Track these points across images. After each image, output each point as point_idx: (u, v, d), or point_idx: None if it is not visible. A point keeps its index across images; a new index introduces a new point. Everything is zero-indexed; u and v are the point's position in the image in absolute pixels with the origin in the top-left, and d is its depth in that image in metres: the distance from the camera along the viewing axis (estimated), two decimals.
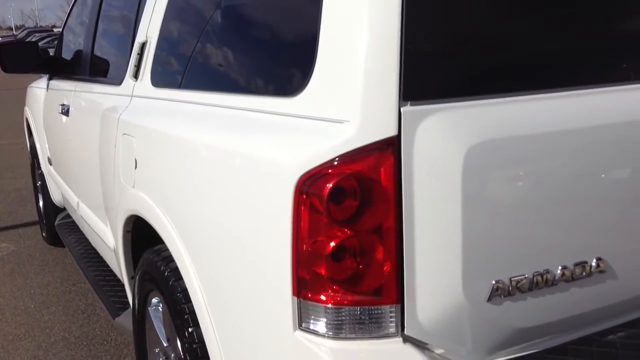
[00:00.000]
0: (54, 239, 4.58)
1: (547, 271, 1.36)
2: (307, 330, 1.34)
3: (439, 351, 1.34)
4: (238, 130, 1.56)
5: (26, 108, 4.92)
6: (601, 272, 1.43)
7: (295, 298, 1.34)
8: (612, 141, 1.43)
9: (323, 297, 1.31)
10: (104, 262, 3.22)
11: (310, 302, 1.32)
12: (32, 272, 4.36)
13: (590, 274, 1.42)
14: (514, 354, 1.41)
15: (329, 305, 1.31)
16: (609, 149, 1.43)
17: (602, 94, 1.45)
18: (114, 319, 2.81)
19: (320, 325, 1.32)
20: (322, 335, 1.32)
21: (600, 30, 1.47)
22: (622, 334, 1.50)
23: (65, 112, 3.31)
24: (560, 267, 1.37)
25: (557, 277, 1.37)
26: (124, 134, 2.21)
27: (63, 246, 4.26)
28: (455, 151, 1.25)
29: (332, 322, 1.31)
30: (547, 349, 1.44)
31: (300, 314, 1.34)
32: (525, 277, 1.34)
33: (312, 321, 1.33)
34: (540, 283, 1.36)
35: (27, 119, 4.87)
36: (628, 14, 1.53)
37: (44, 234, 4.90)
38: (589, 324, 1.50)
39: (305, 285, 1.32)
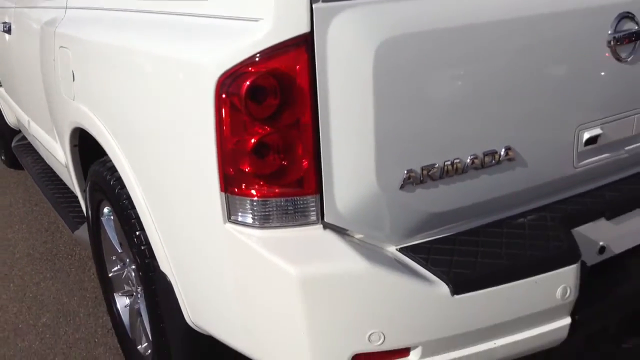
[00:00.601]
0: (13, 162, 4.58)
1: (458, 160, 1.46)
2: (236, 222, 1.43)
3: (358, 236, 1.45)
4: (158, 35, 1.59)
5: None
6: (510, 160, 1.53)
7: (223, 193, 1.42)
8: (521, 35, 1.49)
9: (248, 191, 1.39)
10: (60, 179, 3.27)
11: (237, 197, 1.41)
12: None
13: (499, 162, 1.52)
14: (430, 237, 1.53)
15: (255, 198, 1.39)
16: (517, 42, 1.49)
17: None
18: (73, 233, 2.89)
19: (248, 217, 1.41)
20: (250, 226, 1.41)
21: None
22: (532, 217, 1.63)
23: (7, 30, 3.24)
24: (470, 156, 1.47)
25: (467, 166, 1.47)
26: (61, 46, 2.20)
27: (23, 169, 4.27)
28: (367, 46, 1.30)
29: (258, 214, 1.40)
30: (461, 231, 1.56)
31: (228, 207, 1.42)
32: (436, 166, 1.43)
33: (240, 214, 1.42)
34: (451, 171, 1.45)
35: None
36: None
37: (2, 157, 4.89)
38: (502, 210, 1.62)
39: (231, 181, 1.40)
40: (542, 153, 1.60)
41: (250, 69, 1.31)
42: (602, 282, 1.67)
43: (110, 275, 2.47)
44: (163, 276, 1.79)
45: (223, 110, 1.35)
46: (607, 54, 1.62)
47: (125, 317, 2.41)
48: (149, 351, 2.21)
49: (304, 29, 1.28)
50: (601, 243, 1.70)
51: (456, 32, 1.40)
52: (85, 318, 2.84)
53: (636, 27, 1.65)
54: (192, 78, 1.42)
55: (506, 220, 1.62)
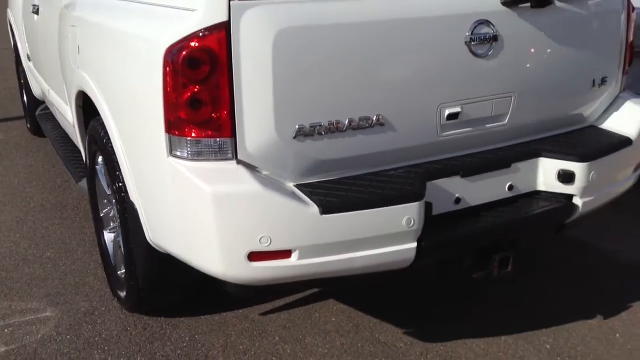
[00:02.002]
0: (37, 129, 5.23)
1: (338, 121, 2.01)
2: (176, 156, 2.00)
3: (265, 172, 2.01)
4: (130, 17, 2.23)
5: (8, 10, 5.44)
6: (381, 125, 2.08)
7: (167, 134, 1.99)
8: (394, 31, 2.04)
9: (184, 133, 1.96)
10: (72, 141, 3.88)
11: (176, 137, 1.98)
12: (17, 156, 5.05)
13: (372, 126, 2.07)
14: (321, 178, 2.08)
15: (188, 138, 1.96)
16: (391, 37, 2.04)
17: None
18: (77, 183, 3.50)
19: (184, 152, 1.98)
20: (185, 159, 1.99)
21: None
22: (401, 171, 2.17)
23: (36, 11, 3.87)
24: (347, 119, 2.02)
25: (345, 126, 2.02)
26: (72, 25, 2.82)
27: (45, 137, 4.91)
28: (267, 33, 1.88)
29: (190, 150, 1.97)
30: (344, 176, 2.11)
31: (170, 145, 2.00)
32: (321, 124, 1.99)
33: (178, 150, 1.99)
34: (333, 129, 2.01)
35: (9, 20, 5.41)
36: None
37: (28, 125, 5.56)
38: (380, 164, 2.17)
39: (172, 125, 1.97)
40: (409, 122, 2.14)
41: (186, 43, 1.88)
42: (453, 223, 2.21)
43: (101, 215, 3.07)
44: (131, 204, 2.37)
45: (168, 73, 1.92)
46: (465, 51, 2.15)
47: (110, 248, 3.00)
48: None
49: (224, 18, 1.85)
50: (457, 195, 2.24)
51: (338, 27, 1.96)
52: (82, 254, 3.44)
53: (492, 32, 2.18)
54: (149, 49, 2.01)
55: (381, 171, 2.17)
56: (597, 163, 2.38)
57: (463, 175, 2.23)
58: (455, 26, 2.13)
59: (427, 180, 2.14)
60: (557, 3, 2.32)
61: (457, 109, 2.21)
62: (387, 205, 1.98)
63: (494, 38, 2.19)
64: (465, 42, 2.15)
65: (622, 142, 2.52)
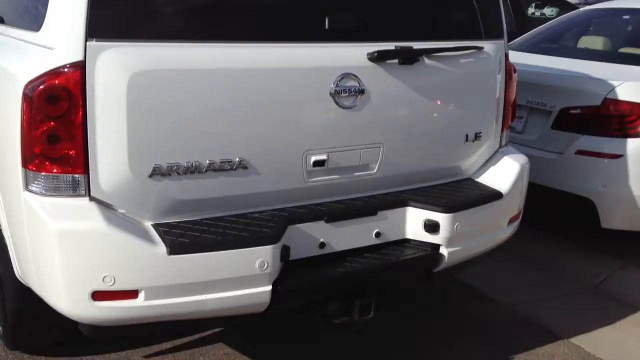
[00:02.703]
0: None
1: (198, 163, 2.04)
2: (30, 191, 1.99)
3: (121, 210, 2.01)
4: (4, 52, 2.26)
5: None
6: (244, 168, 2.12)
7: (23, 169, 1.98)
8: (258, 80, 2.10)
9: (38, 168, 1.96)
10: None
11: (31, 171, 1.97)
12: None
13: (234, 169, 2.10)
14: (183, 218, 2.09)
15: (42, 174, 1.96)
16: (256, 85, 2.10)
17: (244, 48, 2.10)
18: None
19: (37, 187, 1.98)
20: (38, 194, 1.98)
21: None
22: (266, 214, 2.21)
23: None
24: (207, 161, 2.05)
25: (205, 168, 2.05)
26: None
27: None
28: (122, 74, 1.91)
29: (43, 185, 1.97)
30: (206, 217, 2.13)
31: (26, 179, 1.99)
32: (179, 165, 2.01)
33: (33, 184, 1.98)
34: (192, 170, 2.04)
35: None
36: None
37: None
38: (246, 206, 2.20)
39: (28, 159, 1.97)
40: (274, 167, 2.19)
41: (44, 80, 1.90)
42: (316, 267, 2.24)
43: None
44: (1, 237, 2.33)
45: (25, 108, 1.93)
46: (331, 102, 2.23)
47: None
48: None
49: (79, 57, 1.88)
50: (322, 240, 2.28)
51: (197, 72, 2.01)
52: None
53: (358, 85, 2.27)
54: (10, 84, 2.02)
55: (246, 214, 2.20)
56: (462, 215, 2.46)
57: (328, 221, 2.28)
58: (321, 78, 2.21)
59: (289, 224, 2.18)
60: (427, 61, 2.43)
61: (323, 157, 2.27)
62: (239, 248, 2.00)
63: (360, 91, 2.28)
64: (331, 94, 2.22)
65: (492, 195, 2.62)
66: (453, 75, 2.53)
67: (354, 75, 2.26)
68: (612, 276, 3.96)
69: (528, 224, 4.54)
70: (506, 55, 2.77)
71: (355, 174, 2.39)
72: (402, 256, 2.41)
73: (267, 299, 2.09)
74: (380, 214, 2.40)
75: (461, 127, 2.61)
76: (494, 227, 2.68)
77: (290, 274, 2.16)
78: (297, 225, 2.21)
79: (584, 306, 3.60)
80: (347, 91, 2.25)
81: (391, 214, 2.43)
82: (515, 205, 2.75)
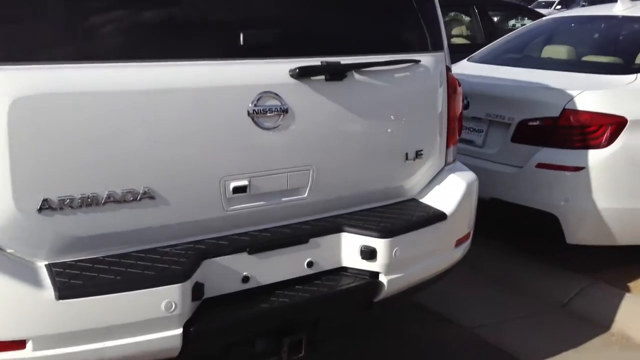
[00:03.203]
0: None
1: (95, 195, 1.84)
2: None
3: (10, 250, 1.80)
4: None
5: None
6: (151, 198, 1.92)
7: None
8: (165, 101, 1.91)
9: None
10: None
11: None
12: None
13: (139, 200, 1.90)
14: (83, 256, 1.89)
15: None
16: (162, 107, 1.91)
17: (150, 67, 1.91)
18: None
19: None
20: None
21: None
22: (180, 248, 2.01)
23: None
24: (107, 192, 1.85)
25: (104, 200, 1.85)
26: None
27: None
28: (1, 100, 1.70)
29: None
30: (112, 254, 1.93)
31: None
32: (73, 198, 1.81)
33: None
34: (89, 203, 1.83)
35: None
36: None
37: None
38: (156, 240, 2.00)
39: None
40: (187, 196, 1.99)
41: None
42: (237, 305, 2.04)
43: None
44: None
45: None
46: (249, 123, 2.04)
47: None
48: None
49: None
50: (245, 273, 2.08)
51: (91, 95, 1.81)
52: None
53: (279, 104, 2.08)
54: None
55: (157, 248, 1.99)
56: (401, 239, 2.28)
57: (251, 252, 2.08)
58: (237, 98, 2.02)
59: (204, 259, 1.98)
60: (357, 76, 2.26)
61: (243, 183, 2.08)
62: (140, 289, 1.80)
63: (283, 110, 2.09)
64: (249, 114, 2.04)
65: (435, 217, 2.44)
66: (388, 90, 2.36)
67: (274, 93, 2.08)
68: (580, 294, 3.79)
69: (491, 240, 4.44)
70: (448, 68, 2.61)
71: (283, 199, 2.20)
72: (336, 286, 2.21)
73: (178, 343, 1.88)
74: (312, 241, 2.21)
75: (399, 145, 2.44)
76: (440, 250, 2.50)
77: (207, 313, 1.96)
78: (215, 259, 2.01)
79: (551, 327, 3.42)
80: (268, 111, 2.07)
81: (324, 241, 2.24)
82: (462, 226, 2.58)
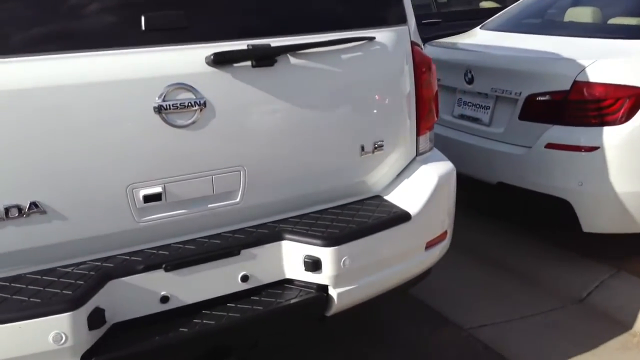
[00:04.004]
0: None
1: None
2: None
3: None
4: None
5: None
6: (42, 213, 1.68)
7: None
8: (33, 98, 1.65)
9: None
10: None
11: None
12: None
13: (26, 215, 1.67)
14: None
15: None
16: (30, 105, 1.64)
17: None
18: None
19: None
20: None
21: None
22: (83, 267, 1.77)
23: None
24: None
25: None
26: None
27: None
28: None
29: None
30: (2, 277, 1.71)
31: None
32: None
33: None
34: None
35: None
36: None
37: None
38: (56, 259, 1.76)
39: None
40: (87, 209, 1.74)
41: None
42: (152, 329, 1.79)
43: None
44: None
45: None
46: (158, 121, 1.77)
47: None
48: None
49: None
50: (163, 293, 1.83)
51: None
52: None
53: (194, 98, 1.80)
54: None
55: (58, 268, 1.76)
56: (351, 247, 1.98)
57: (169, 269, 1.82)
58: (139, 92, 1.74)
59: (109, 279, 1.74)
60: (293, 60, 1.95)
61: (156, 190, 1.82)
62: (22, 320, 1.57)
63: (200, 104, 1.81)
64: (155, 110, 1.76)
65: (397, 217, 2.12)
66: (333, 75, 2.04)
67: (187, 85, 1.79)
68: (600, 287, 3.39)
69: (499, 229, 4.06)
70: (416, 44, 2.26)
71: (211, 205, 1.93)
72: (275, 303, 1.93)
73: None
74: (246, 253, 1.93)
75: (352, 137, 2.12)
76: (404, 256, 2.18)
77: (115, 341, 1.72)
78: (125, 278, 1.77)
79: (564, 327, 3.06)
80: (180, 106, 1.79)
81: (262, 251, 1.96)
82: (434, 226, 2.25)
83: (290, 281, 2.03)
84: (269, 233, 1.99)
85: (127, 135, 1.75)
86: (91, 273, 1.73)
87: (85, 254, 1.80)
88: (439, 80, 4.27)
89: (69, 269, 1.76)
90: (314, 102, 2.01)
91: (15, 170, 1.65)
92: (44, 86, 1.65)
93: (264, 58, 1.88)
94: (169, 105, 1.77)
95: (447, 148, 4.02)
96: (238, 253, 1.92)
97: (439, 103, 4.10)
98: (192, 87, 1.80)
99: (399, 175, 2.31)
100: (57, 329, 1.59)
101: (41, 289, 1.66)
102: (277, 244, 1.98)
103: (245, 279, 1.95)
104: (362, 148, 2.14)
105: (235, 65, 1.85)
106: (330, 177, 2.12)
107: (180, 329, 1.81)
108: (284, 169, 2.01)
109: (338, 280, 1.99)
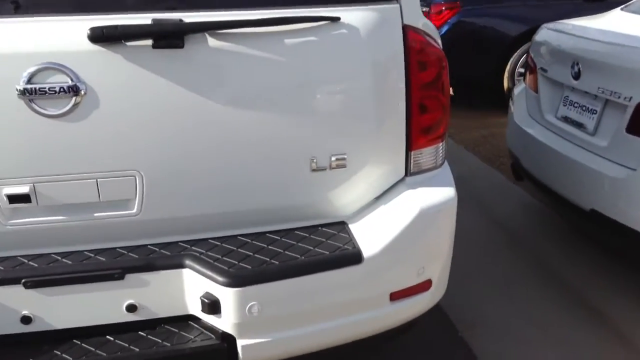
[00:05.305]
0: None
1: None
2: None
3: None
4: None
5: None
6: None
7: None
8: None
9: None
10: None
11: None
12: None
13: None
14: None
15: None
16: None
17: None
18: None
19: None
20: None
21: None
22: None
23: None
24: None
25: None
26: None
27: None
28: None
29: None
30: None
31: None
32: None
33: None
34: None
35: None
36: None
37: None
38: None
39: None
40: None
41: None
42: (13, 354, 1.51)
43: None
44: None
45: None
46: (23, 107, 1.44)
47: None
48: None
49: None
50: (25, 312, 1.54)
51: None
52: None
53: (70, 81, 1.44)
54: None
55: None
56: (262, 290, 1.52)
57: (28, 286, 1.52)
58: (1, 70, 1.43)
59: None
60: (212, 42, 1.50)
61: (23, 190, 1.51)
62: None
63: (78, 91, 1.45)
64: (19, 95, 1.43)
65: (341, 258, 1.60)
66: (272, 64, 1.54)
67: (61, 66, 1.44)
68: None
69: (593, 266, 3.21)
70: (411, 29, 1.67)
71: (99, 214, 1.58)
72: (163, 344, 1.56)
73: None
74: (132, 278, 1.56)
75: (296, 147, 1.62)
76: (354, 307, 1.66)
77: None
78: None
79: None
80: (50, 91, 1.44)
81: (154, 278, 1.58)
82: (401, 273, 1.69)
83: (196, 319, 1.63)
84: (166, 257, 1.59)
85: None
86: None
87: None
88: (544, 71, 3.49)
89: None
90: (240, 98, 1.55)
91: None
92: None
93: (168, 37, 1.46)
94: (36, 89, 1.43)
95: (542, 158, 3.29)
96: (121, 277, 1.56)
97: (544, 100, 3.39)
98: (67, 68, 1.44)
99: (378, 198, 1.78)
100: None
101: None
102: (176, 271, 1.58)
103: (132, 308, 1.59)
104: (313, 162, 1.65)
105: (129, 44, 1.45)
106: (266, 193, 1.65)
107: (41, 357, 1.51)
108: (196, 177, 1.59)
109: (243, 330, 1.55)
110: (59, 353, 1.52)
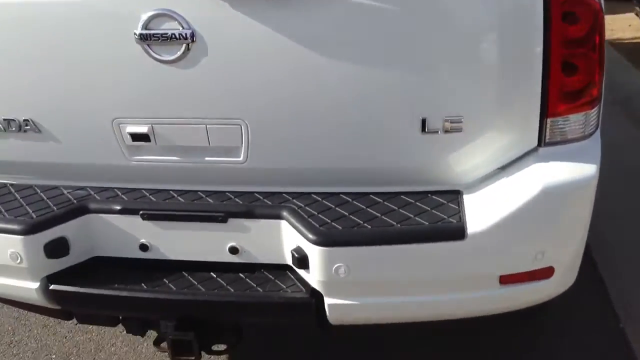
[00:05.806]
0: None
1: None
2: None
3: None
4: None
5: None
6: (37, 132, 1.66)
7: None
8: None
9: None
10: None
11: None
12: None
13: (24, 131, 1.66)
14: None
15: None
16: (19, 29, 1.56)
17: None
18: None
19: None
20: None
21: None
22: (75, 192, 1.73)
23: None
24: None
25: None
26: None
27: None
28: None
29: None
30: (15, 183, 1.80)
31: None
32: None
33: None
34: None
35: None
36: None
37: None
38: (48, 176, 1.76)
39: None
40: (77, 135, 1.66)
41: None
42: (130, 276, 1.67)
43: None
44: None
45: None
46: (140, 53, 1.51)
47: None
48: None
49: None
50: (142, 240, 1.68)
51: None
52: None
53: (181, 29, 1.47)
54: None
55: (60, 187, 1.76)
56: (350, 253, 1.46)
57: (145, 217, 1.64)
58: (120, 17, 1.49)
59: (83, 213, 1.66)
60: None
61: (141, 129, 1.60)
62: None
63: (186, 37, 1.47)
64: (137, 40, 1.50)
65: (442, 232, 1.46)
66: (383, 13, 1.41)
67: (172, 12, 1.47)
68: None
69: None
70: None
71: (209, 159, 1.63)
72: (265, 291, 1.59)
73: (34, 296, 1.68)
74: (234, 222, 1.61)
75: (406, 106, 1.48)
76: (455, 285, 1.52)
77: (84, 275, 1.68)
78: (102, 215, 1.67)
79: None
80: (162, 37, 1.49)
81: (254, 225, 1.60)
82: (512, 256, 1.49)
83: (293, 270, 1.64)
84: (266, 207, 1.60)
85: (108, 62, 1.55)
86: (71, 202, 1.69)
87: (84, 178, 1.75)
88: None
89: (57, 192, 1.74)
90: (351, 51, 1.45)
91: (10, 87, 1.64)
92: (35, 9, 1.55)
93: None
94: (151, 34, 1.49)
95: None
96: (224, 221, 1.61)
97: None
98: (178, 14, 1.47)
99: (503, 168, 1.58)
100: (12, 248, 1.62)
101: (21, 205, 1.69)
102: (275, 221, 1.59)
103: (234, 250, 1.64)
104: (424, 123, 1.50)
105: None
106: (371, 152, 1.56)
107: (152, 283, 1.65)
108: (301, 131, 1.55)
109: (330, 290, 1.52)
110: (166, 281, 1.65)
